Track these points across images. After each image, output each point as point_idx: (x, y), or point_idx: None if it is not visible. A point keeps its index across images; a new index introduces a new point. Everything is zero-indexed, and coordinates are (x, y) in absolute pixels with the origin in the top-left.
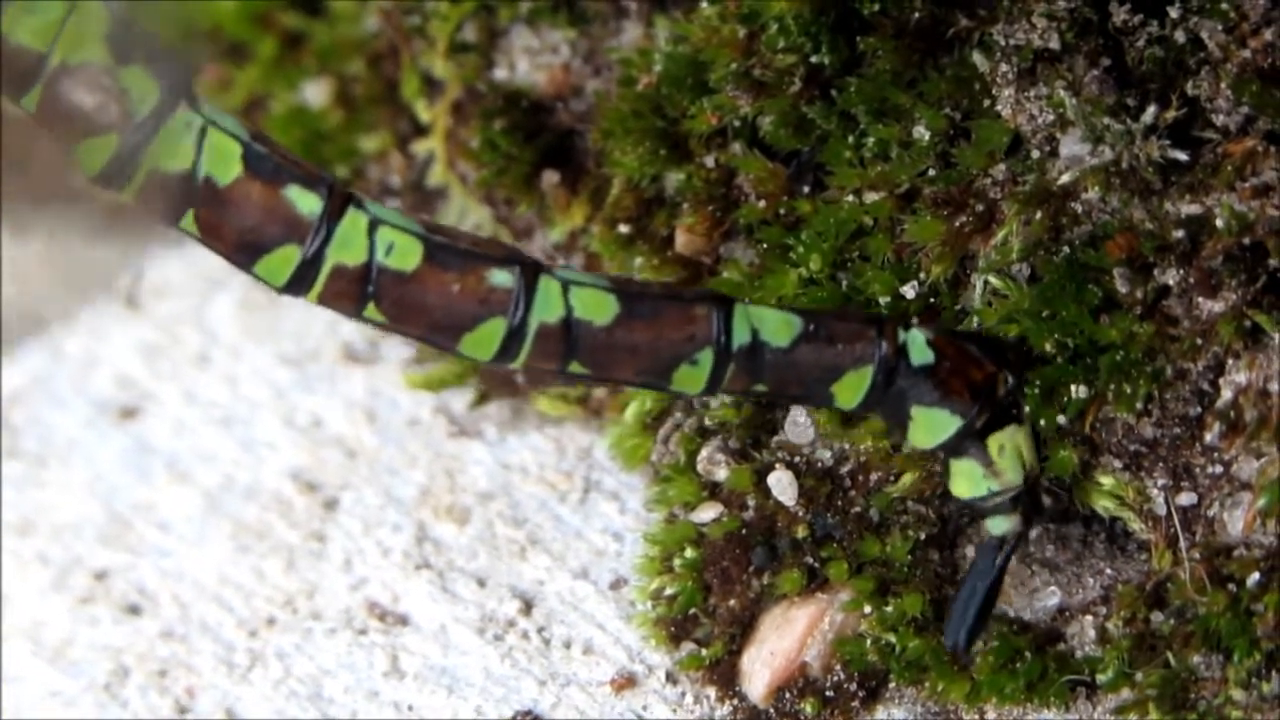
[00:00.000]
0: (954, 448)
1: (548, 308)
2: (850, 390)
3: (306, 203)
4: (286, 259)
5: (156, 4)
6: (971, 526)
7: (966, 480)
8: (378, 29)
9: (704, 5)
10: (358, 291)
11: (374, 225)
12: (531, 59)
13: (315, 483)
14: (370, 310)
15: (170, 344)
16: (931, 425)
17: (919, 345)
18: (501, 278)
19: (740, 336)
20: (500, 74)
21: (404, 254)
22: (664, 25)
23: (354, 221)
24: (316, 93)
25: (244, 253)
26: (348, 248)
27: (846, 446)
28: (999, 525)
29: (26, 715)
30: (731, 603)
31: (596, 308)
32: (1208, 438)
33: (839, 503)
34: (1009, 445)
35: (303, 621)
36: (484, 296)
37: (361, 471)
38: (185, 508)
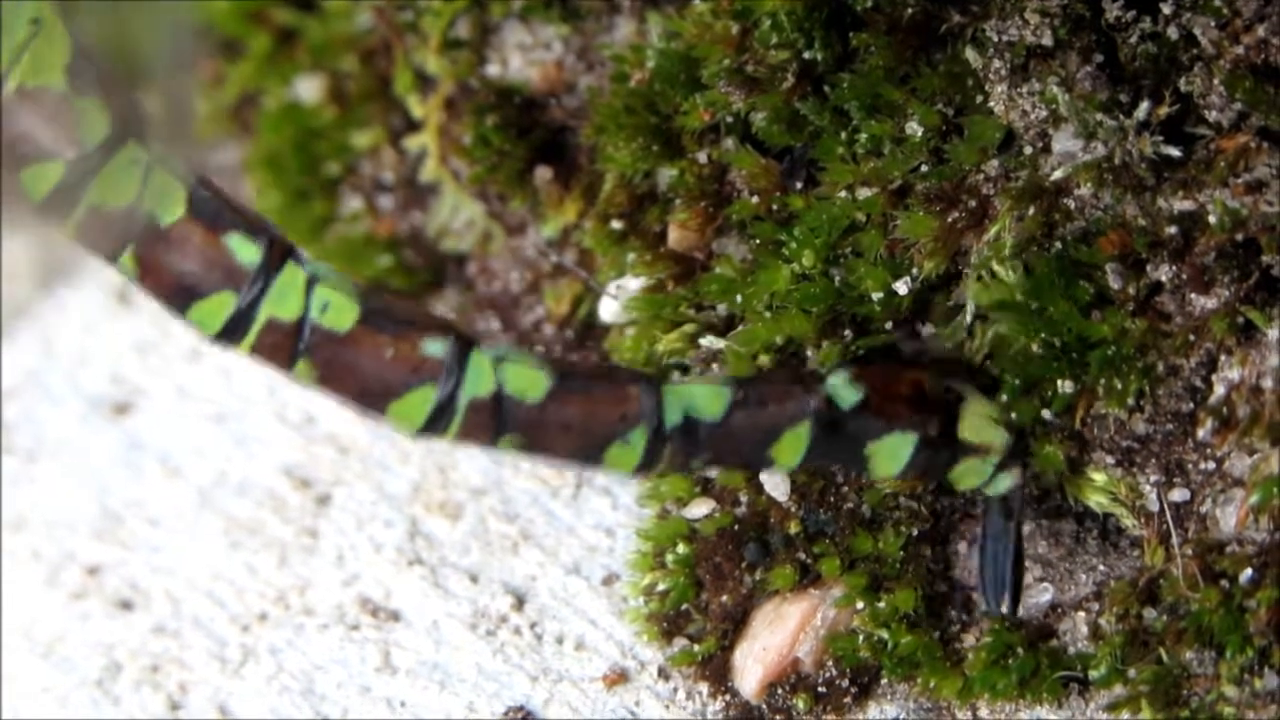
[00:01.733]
0: (927, 465)
1: (479, 382)
2: (790, 450)
3: (246, 252)
4: (221, 305)
5: (147, 7)
6: (964, 522)
7: (972, 474)
8: (371, 25)
9: (697, 1)
10: (290, 347)
11: (311, 282)
12: (524, 55)
13: (308, 478)
14: (301, 368)
15: (162, 339)
16: (892, 452)
17: (842, 388)
18: (435, 347)
19: (672, 418)
20: (493, 70)
21: (339, 313)
22: (657, 21)
23: (291, 276)
24: (309, 89)
25: (179, 296)
26: (283, 302)
27: None
28: (1003, 482)
29: (19, 712)
30: (724, 598)
31: (528, 384)
32: (1200, 434)
33: (831, 498)
34: (976, 420)
35: (295, 617)
36: (416, 364)
37: (354, 467)
38: (178, 503)
